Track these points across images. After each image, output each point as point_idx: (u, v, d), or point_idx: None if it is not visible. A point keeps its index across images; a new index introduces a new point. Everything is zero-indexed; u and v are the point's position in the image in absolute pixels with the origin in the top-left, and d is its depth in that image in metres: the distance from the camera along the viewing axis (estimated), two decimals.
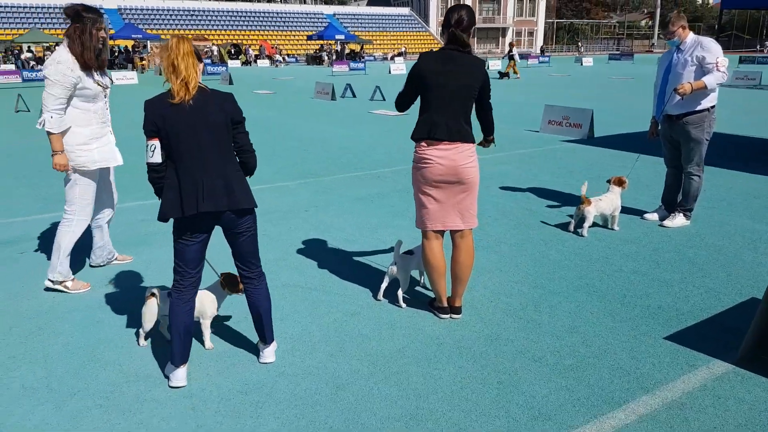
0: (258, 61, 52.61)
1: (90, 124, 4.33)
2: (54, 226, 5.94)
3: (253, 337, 3.70)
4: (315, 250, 5.29)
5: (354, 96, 20.48)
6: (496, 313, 4.04)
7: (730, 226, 5.89)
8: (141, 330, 3.56)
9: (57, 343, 3.63)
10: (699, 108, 5.52)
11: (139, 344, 3.60)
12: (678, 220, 5.90)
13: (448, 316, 4.00)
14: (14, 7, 55.39)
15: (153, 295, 3.49)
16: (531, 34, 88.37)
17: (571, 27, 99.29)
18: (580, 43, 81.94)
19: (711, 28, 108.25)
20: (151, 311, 3.48)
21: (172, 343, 3.14)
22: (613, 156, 9.54)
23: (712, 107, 5.56)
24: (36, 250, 5.25)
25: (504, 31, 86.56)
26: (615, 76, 30.59)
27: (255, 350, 3.55)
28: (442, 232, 3.90)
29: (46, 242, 5.47)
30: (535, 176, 8.16)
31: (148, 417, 2.90)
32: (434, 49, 3.82)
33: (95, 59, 4.25)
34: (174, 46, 2.94)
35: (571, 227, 5.75)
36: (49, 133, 4.15)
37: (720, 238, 5.51)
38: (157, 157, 2.95)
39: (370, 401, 3.05)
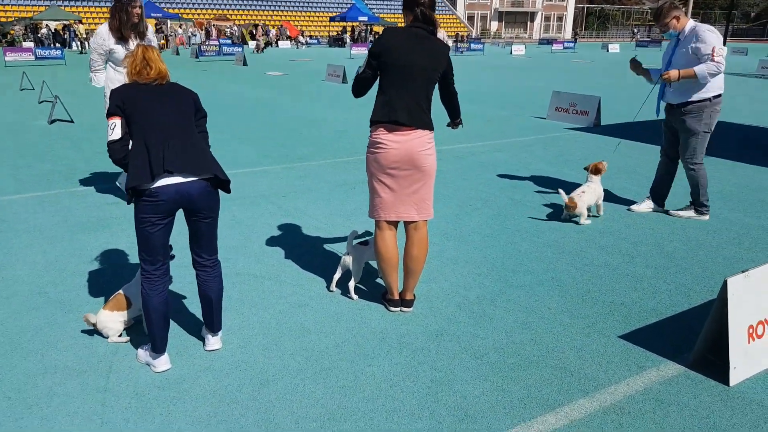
0: (279, 42, 52.42)
1: (123, 82, 5.17)
2: (24, 207, 5.87)
3: (190, 326, 3.58)
4: (279, 237, 5.14)
5: None
6: (449, 307, 3.85)
7: (718, 219, 5.61)
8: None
9: None
10: (696, 98, 5.22)
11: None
12: (644, 206, 5.89)
13: (398, 309, 3.83)
14: None
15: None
16: (560, 19, 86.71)
17: (601, 12, 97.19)
18: (635, 29, 79.66)
19: (746, 16, 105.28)
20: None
21: (153, 334, 3.06)
22: (614, 144, 9.22)
23: (715, 97, 5.23)
24: None
25: (533, 15, 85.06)
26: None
27: (186, 340, 3.42)
28: (395, 223, 3.71)
29: (8, 224, 5.38)
30: (529, 164, 7.90)
31: (54, 412, 2.78)
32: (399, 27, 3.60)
33: (131, 31, 5.57)
34: (145, 51, 3.07)
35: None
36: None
37: (704, 232, 5.25)
38: (115, 135, 2.94)
39: (292, 399, 2.90)
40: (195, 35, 46.55)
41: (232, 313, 3.77)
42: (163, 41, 43.13)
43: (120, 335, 3.43)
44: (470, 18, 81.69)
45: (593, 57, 37.91)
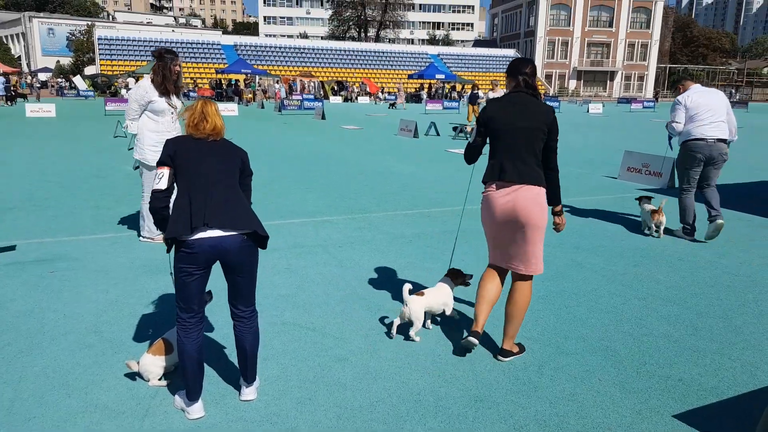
0: (359, 98, 53.95)
1: (158, 132, 6.13)
2: (97, 247, 6.17)
3: (229, 374, 3.60)
4: (330, 288, 5.15)
5: (437, 134, 20.41)
6: (494, 372, 3.72)
7: None
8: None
9: (38, 364, 3.68)
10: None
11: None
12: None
13: (475, 340, 3.82)
14: (137, 40, 60.25)
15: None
16: (641, 78, 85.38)
17: (684, 72, 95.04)
18: (734, 90, 77.57)
19: None
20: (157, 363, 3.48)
21: (187, 381, 3.12)
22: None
23: (684, 142, 6.96)
24: (67, 270, 5.45)
25: (612, 74, 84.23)
26: None
27: (224, 388, 3.44)
28: (500, 269, 3.96)
29: (80, 263, 5.67)
30: (593, 225, 7.66)
31: None
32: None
33: (173, 86, 6.16)
34: (204, 106, 3.20)
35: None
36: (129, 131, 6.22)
37: None
38: (162, 184, 3.07)
39: None
40: (280, 90, 48.62)
41: (272, 363, 3.78)
42: (250, 95, 45.25)
43: (160, 379, 3.49)
44: (548, 77, 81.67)
45: None
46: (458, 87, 58.05)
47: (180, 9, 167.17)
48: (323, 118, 27.71)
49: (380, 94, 54.70)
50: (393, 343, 4.10)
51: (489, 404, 3.35)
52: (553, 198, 3.89)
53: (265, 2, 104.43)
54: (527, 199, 3.66)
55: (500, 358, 3.88)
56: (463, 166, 12.84)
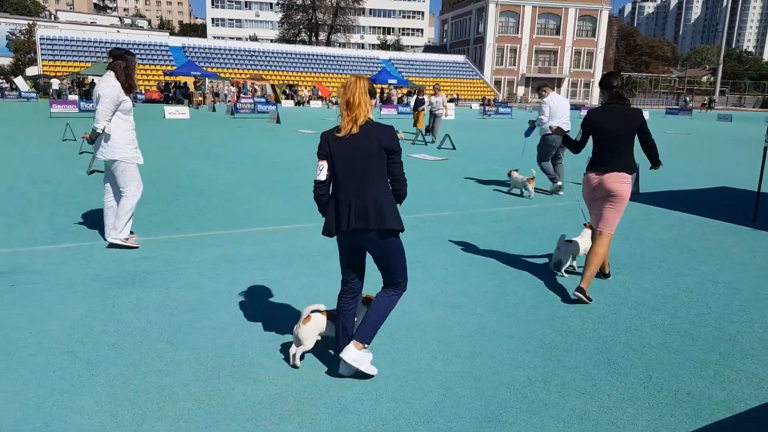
0: (311, 102, 53.51)
1: (128, 131, 6.08)
2: (58, 258, 5.77)
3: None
4: (313, 300, 4.87)
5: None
6: (499, 389, 3.56)
7: None
8: (297, 349, 3.73)
9: (8, 390, 3.33)
10: None
11: (293, 364, 3.74)
12: None
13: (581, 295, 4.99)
14: (81, 41, 58.31)
15: (316, 312, 3.80)
16: (587, 85, 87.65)
17: (629, 80, 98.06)
18: (714, 98, 79.90)
19: None
20: (313, 329, 3.74)
21: (339, 339, 3.65)
22: (660, 213, 8.94)
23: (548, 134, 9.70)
24: (28, 284, 5.04)
25: (560, 81, 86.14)
26: (670, 131, 29.64)
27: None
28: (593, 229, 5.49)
29: (42, 275, 5.27)
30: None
31: None
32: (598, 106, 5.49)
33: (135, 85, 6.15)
34: (351, 85, 3.41)
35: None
36: (96, 131, 5.89)
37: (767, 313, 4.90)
38: (321, 176, 3.46)
39: None
40: (227, 94, 47.78)
41: (267, 385, 3.53)
42: (200, 98, 44.28)
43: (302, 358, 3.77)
44: (497, 83, 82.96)
45: None
46: (400, 93, 58.21)
47: (124, 9, 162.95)
48: (278, 122, 27.27)
49: (332, 98, 54.42)
50: (389, 359, 3.90)
51: (502, 425, 3.18)
52: (654, 161, 5.40)
53: (213, 4, 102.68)
54: (614, 181, 5.08)
55: (576, 293, 4.99)
56: (430, 170, 12.75)
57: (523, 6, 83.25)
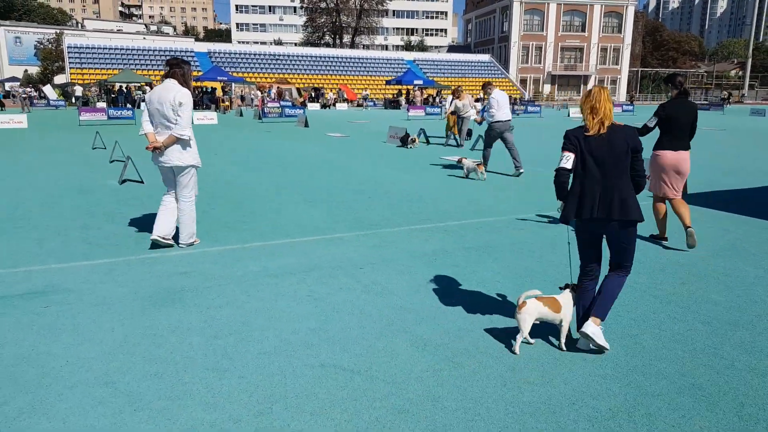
0: (336, 104, 53.38)
1: (194, 138, 6.29)
2: (94, 275, 5.56)
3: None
4: (363, 319, 4.61)
5: (427, 142, 19.94)
6: (579, 422, 3.22)
7: None
8: (519, 336, 4.00)
9: (45, 429, 3.08)
10: None
11: (515, 352, 3.99)
12: None
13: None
14: (107, 48, 59.03)
15: (532, 298, 4.04)
16: (614, 82, 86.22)
17: (656, 76, 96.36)
18: (744, 92, 78.76)
19: None
20: (527, 314, 3.96)
21: (578, 317, 4.13)
22: (712, 216, 8.47)
23: (494, 122, 11.56)
24: (63, 305, 4.82)
25: (586, 78, 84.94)
26: (705, 127, 28.80)
27: None
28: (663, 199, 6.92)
29: (77, 294, 5.05)
30: None
31: None
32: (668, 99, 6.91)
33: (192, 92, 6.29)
34: (596, 94, 3.94)
35: None
36: (181, 139, 6.09)
37: None
38: (565, 164, 3.94)
39: None
40: (254, 98, 47.85)
41: (323, 418, 3.23)
42: (227, 102, 44.39)
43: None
44: (523, 81, 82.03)
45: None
46: (434, 92, 57.78)
47: (150, 17, 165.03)
48: (306, 125, 27.10)
49: (365, 101, 54.45)
50: (453, 386, 3.58)
51: None
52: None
53: (237, 9, 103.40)
54: (683, 159, 6.66)
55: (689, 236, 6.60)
56: (456, 176, 12.39)
57: (548, 3, 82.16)
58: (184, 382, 3.58)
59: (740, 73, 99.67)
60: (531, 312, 3.97)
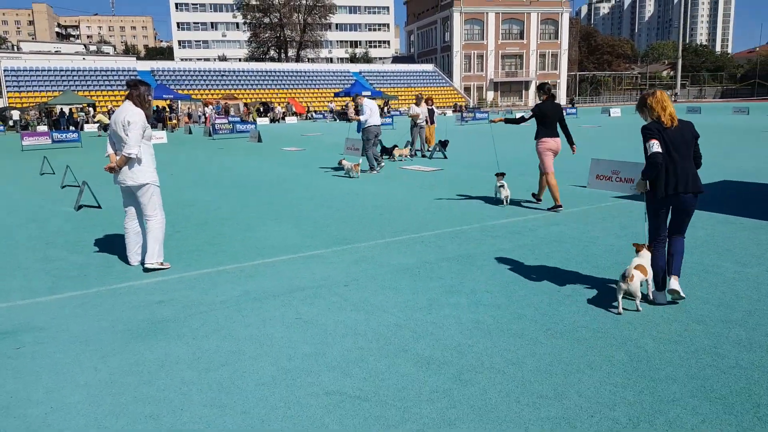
0: (286, 118, 52.95)
1: (152, 155, 6.41)
2: (64, 309, 5.22)
3: None
4: (359, 340, 4.45)
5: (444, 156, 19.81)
6: None
7: None
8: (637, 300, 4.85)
9: None
10: None
11: (618, 311, 4.79)
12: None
13: None
14: (46, 70, 57.12)
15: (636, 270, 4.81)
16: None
17: (593, 79, 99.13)
18: (677, 91, 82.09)
19: (732, 77, 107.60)
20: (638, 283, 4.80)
21: (657, 279, 5.04)
22: None
23: (368, 127, 12.92)
24: (36, 344, 4.48)
25: (527, 84, 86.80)
26: None
27: None
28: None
29: (50, 332, 4.72)
30: (597, 239, 7.28)
31: None
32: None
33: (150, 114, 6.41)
34: (662, 96, 4.95)
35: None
36: (129, 158, 6.14)
37: None
38: (657, 149, 4.76)
39: None
40: (200, 115, 47.00)
41: None
42: (174, 120, 43.45)
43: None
44: (467, 89, 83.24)
45: (598, 121, 38.03)
46: (380, 103, 57.90)
47: (88, 36, 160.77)
48: (260, 140, 26.71)
49: (312, 114, 54.12)
50: (466, 406, 3.45)
51: None
52: (571, 141, 9.05)
53: (179, 27, 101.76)
54: (559, 143, 8.89)
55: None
56: (427, 183, 12.34)
57: (487, 13, 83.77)
58: (183, 422, 3.34)
59: (671, 73, 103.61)
60: (640, 279, 4.79)
